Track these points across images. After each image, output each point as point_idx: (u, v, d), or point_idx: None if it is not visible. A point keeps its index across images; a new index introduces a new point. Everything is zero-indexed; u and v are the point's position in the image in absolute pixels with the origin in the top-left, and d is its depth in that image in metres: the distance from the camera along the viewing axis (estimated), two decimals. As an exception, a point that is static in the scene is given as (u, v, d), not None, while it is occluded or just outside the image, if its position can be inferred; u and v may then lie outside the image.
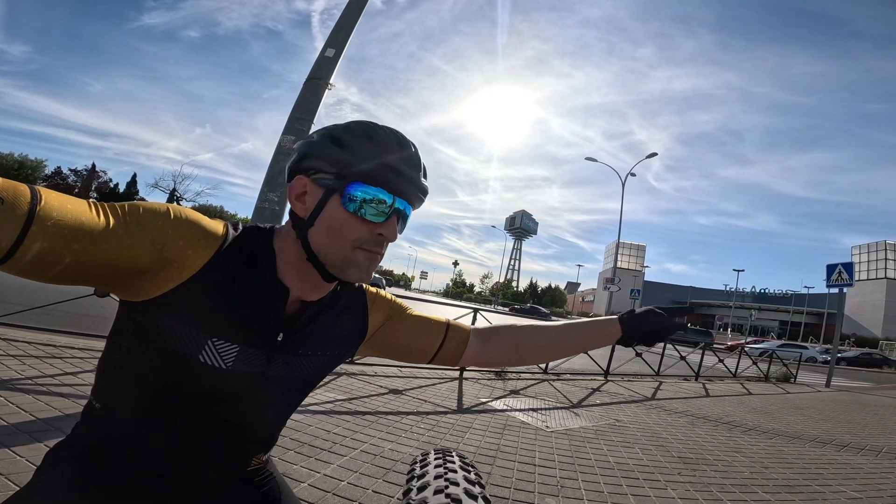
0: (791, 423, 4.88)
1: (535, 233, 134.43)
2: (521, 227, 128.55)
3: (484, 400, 4.31)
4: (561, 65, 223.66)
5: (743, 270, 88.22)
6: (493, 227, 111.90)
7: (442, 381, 4.96)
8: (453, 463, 0.72)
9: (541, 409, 4.28)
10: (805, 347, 28.07)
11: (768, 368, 10.40)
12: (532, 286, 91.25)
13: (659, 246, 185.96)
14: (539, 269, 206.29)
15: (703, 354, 9.17)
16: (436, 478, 0.65)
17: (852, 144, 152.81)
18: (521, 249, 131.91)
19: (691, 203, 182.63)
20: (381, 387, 4.16)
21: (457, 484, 0.63)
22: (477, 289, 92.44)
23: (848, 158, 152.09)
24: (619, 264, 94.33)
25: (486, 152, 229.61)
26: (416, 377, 4.89)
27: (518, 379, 5.88)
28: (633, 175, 28.39)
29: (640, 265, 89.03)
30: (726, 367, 9.69)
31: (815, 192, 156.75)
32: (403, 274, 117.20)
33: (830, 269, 11.62)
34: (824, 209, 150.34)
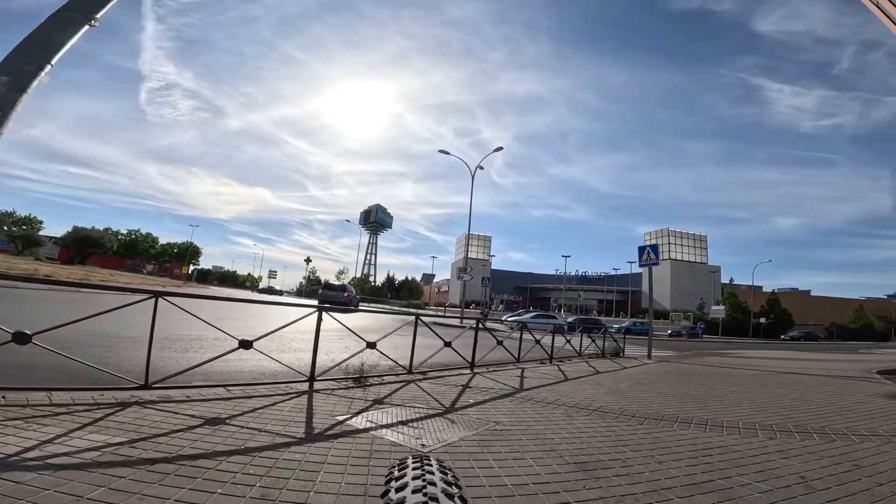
0: (646, 401, 5.05)
1: (390, 227, 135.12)
2: (376, 221, 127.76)
3: (341, 417, 3.42)
4: (422, 62, 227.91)
5: (569, 256, 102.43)
6: (348, 221, 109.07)
7: (286, 396, 3.93)
8: (430, 466, 0.72)
9: (412, 420, 3.58)
10: (554, 317, 30.97)
11: (603, 345, 11.63)
12: (389, 280, 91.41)
13: (502, 236, 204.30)
14: (395, 263, 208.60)
15: (553, 337, 9.69)
16: (413, 479, 0.65)
17: (645, 147, 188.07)
18: (376, 244, 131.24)
19: (527, 197, 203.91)
20: (193, 417, 2.92)
21: (434, 484, 0.63)
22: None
23: (641, 159, 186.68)
24: (468, 254, 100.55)
25: (341, 146, 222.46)
26: (251, 396, 3.76)
27: (381, 384, 5.11)
28: (481, 168, 29.89)
29: (487, 255, 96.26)
30: (573, 346, 10.48)
31: (617, 187, 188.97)
32: (249, 275, 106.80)
33: (641, 250, 13.07)
34: (623, 202, 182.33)
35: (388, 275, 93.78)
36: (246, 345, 4.07)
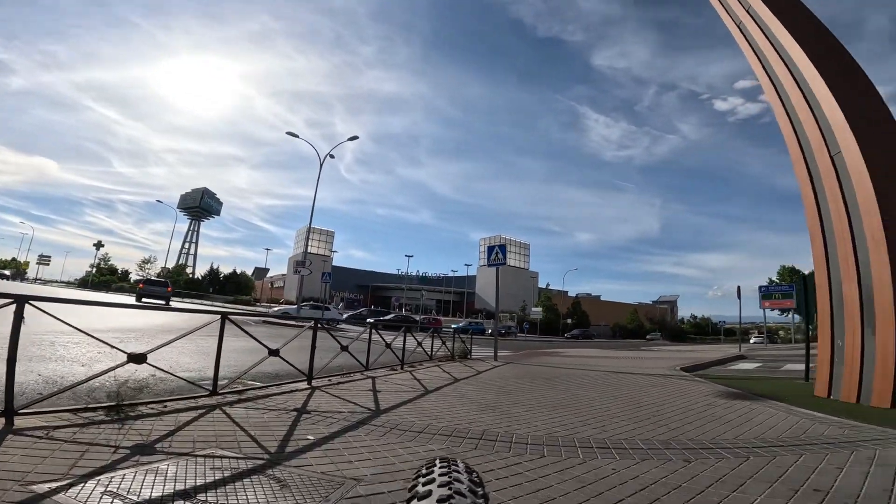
0: (525, 418, 4.31)
1: (217, 213, 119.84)
2: (200, 206, 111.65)
3: (42, 487, 1.79)
4: (285, 46, 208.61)
5: (412, 256, 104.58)
6: (160, 202, 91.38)
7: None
8: (457, 466, 0.75)
9: (202, 488, 2.11)
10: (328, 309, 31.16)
11: (453, 347, 11.17)
12: (213, 272, 79.91)
13: (345, 233, 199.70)
14: (222, 255, 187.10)
15: (404, 338, 8.73)
16: (440, 475, 0.69)
17: (487, 159, 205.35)
18: (198, 231, 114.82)
19: (373, 195, 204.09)
20: None
21: (461, 481, 0.67)
22: (135, 276, 73.79)
23: (482, 169, 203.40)
24: (309, 249, 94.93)
25: (166, 120, 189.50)
26: None
27: (159, 413, 3.35)
28: (332, 157, 27.71)
29: (329, 250, 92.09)
30: (424, 349, 9.66)
31: (459, 194, 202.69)
32: (13, 259, 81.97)
33: (490, 250, 13.00)
34: (463, 209, 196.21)
35: (212, 267, 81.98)
36: None
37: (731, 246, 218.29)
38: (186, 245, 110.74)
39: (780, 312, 43.13)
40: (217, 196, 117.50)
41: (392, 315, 33.03)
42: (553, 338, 49.58)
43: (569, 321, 61.35)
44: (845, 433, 4.05)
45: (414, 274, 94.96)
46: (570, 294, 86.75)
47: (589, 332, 61.29)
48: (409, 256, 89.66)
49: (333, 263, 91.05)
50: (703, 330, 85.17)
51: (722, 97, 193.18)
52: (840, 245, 6.55)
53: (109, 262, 74.16)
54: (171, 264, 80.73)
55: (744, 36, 8.71)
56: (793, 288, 32.80)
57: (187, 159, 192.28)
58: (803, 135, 7.38)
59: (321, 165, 26.12)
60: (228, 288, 71.40)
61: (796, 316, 36.90)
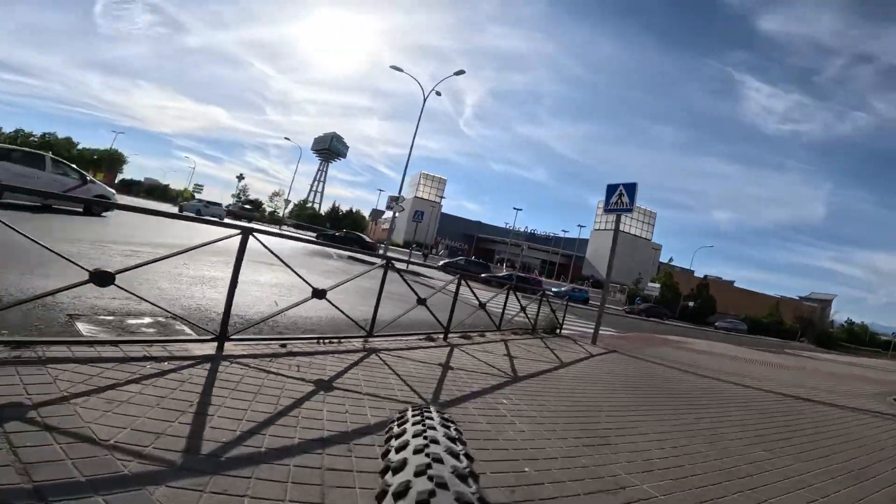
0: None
1: (343, 156, 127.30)
2: (329, 148, 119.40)
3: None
4: (410, 1, 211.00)
5: (521, 209, 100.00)
6: (287, 139, 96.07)
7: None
8: (432, 420, 0.62)
9: None
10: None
11: (537, 315, 8.62)
12: (334, 209, 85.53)
13: (459, 183, 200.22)
14: (348, 196, 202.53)
15: (455, 298, 6.44)
16: (414, 436, 0.56)
17: (613, 122, 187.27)
18: (326, 171, 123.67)
19: (489, 150, 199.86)
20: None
21: (437, 442, 0.53)
22: (268, 208, 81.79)
23: (607, 133, 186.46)
24: (418, 193, 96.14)
25: (309, 75, 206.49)
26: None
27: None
28: (438, 94, 25.50)
29: (438, 196, 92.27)
30: (492, 318, 7.29)
31: (579, 155, 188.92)
32: (186, 189, 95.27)
33: (611, 189, 9.31)
34: (581, 171, 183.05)
35: (334, 204, 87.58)
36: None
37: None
38: (316, 184, 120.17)
39: None
40: (345, 140, 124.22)
41: (463, 261, 30.79)
42: (671, 322, 43.42)
43: (690, 304, 53.51)
44: None
45: (522, 230, 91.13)
46: (696, 275, 75.97)
47: (739, 326, 51.04)
48: (517, 209, 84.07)
49: (443, 211, 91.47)
50: (859, 339, 69.09)
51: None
52: None
53: (247, 194, 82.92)
54: (302, 198, 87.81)
55: None
56: None
57: (324, 109, 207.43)
58: None
59: (425, 99, 24.19)
60: (345, 224, 75.60)
61: None
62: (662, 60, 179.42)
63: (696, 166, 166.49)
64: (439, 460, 0.48)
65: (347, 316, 4.33)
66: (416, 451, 0.51)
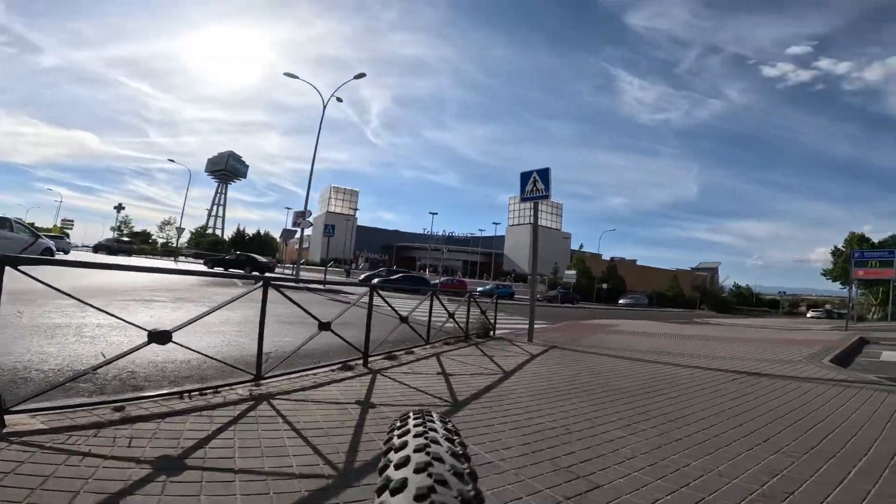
0: None
1: (244, 176, 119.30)
2: (226, 168, 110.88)
3: None
4: (307, 12, 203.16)
5: (437, 213, 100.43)
6: (173, 163, 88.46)
7: None
8: (436, 432, 0.55)
9: None
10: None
11: (467, 321, 7.79)
12: (239, 233, 79.14)
13: (371, 195, 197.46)
14: (254, 218, 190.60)
15: (369, 312, 5.42)
16: (416, 451, 0.48)
17: (514, 123, 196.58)
18: (226, 194, 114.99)
19: (400, 158, 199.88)
20: None
21: (441, 460, 0.46)
22: (160, 238, 73.47)
23: (509, 133, 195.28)
24: (330, 208, 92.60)
25: (197, 91, 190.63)
26: None
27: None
28: (339, 100, 24.09)
29: (352, 209, 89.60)
30: (415, 331, 6.31)
31: (485, 157, 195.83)
32: (55, 226, 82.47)
33: (525, 177, 8.61)
34: (489, 171, 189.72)
35: (238, 228, 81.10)
36: None
37: (774, 214, 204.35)
38: (215, 207, 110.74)
39: (845, 285, 35.63)
40: (243, 159, 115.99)
41: (399, 276, 29.56)
42: (588, 304, 45.64)
43: (604, 286, 56.92)
44: None
45: (440, 234, 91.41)
46: (604, 258, 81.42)
47: (642, 300, 53.81)
48: (433, 213, 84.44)
49: (359, 223, 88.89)
50: (747, 301, 78.75)
51: (771, 63, 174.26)
52: None
53: (131, 225, 73.89)
54: (200, 225, 79.78)
55: None
56: (894, 255, 27.26)
57: (218, 127, 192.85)
58: None
59: (324, 106, 22.67)
60: (251, 248, 70.20)
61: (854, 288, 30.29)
62: (551, 61, 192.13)
63: (591, 158, 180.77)
64: (442, 481, 0.44)
65: (211, 357, 3.12)
66: (418, 471, 0.47)
